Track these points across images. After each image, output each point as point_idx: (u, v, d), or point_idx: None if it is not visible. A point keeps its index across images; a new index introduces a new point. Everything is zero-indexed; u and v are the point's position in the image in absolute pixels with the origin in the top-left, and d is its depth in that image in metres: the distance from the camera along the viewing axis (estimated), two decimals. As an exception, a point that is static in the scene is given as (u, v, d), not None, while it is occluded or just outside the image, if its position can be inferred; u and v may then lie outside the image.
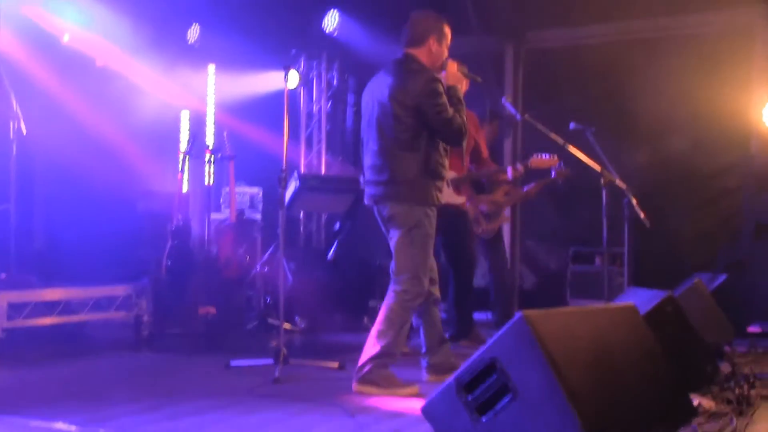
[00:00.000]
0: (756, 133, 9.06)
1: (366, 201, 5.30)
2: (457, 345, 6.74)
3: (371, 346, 5.06)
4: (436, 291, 5.37)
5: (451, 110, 4.98)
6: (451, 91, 5.10)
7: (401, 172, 5.02)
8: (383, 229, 5.30)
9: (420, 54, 5.16)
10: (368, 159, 5.20)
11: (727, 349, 5.77)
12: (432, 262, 5.28)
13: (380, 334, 5.05)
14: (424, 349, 5.45)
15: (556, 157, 7.18)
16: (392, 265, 5.18)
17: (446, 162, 5.18)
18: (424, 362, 5.44)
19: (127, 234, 8.87)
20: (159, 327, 7.14)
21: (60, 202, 9.08)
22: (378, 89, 5.17)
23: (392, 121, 5.02)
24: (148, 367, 6.28)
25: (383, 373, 5.02)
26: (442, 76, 5.15)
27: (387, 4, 10.28)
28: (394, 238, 5.14)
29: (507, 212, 8.72)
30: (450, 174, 6.28)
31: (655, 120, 9.33)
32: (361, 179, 5.38)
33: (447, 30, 5.25)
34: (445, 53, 5.24)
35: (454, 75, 5.19)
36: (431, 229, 5.11)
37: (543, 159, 7.22)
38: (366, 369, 5.03)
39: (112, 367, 6.23)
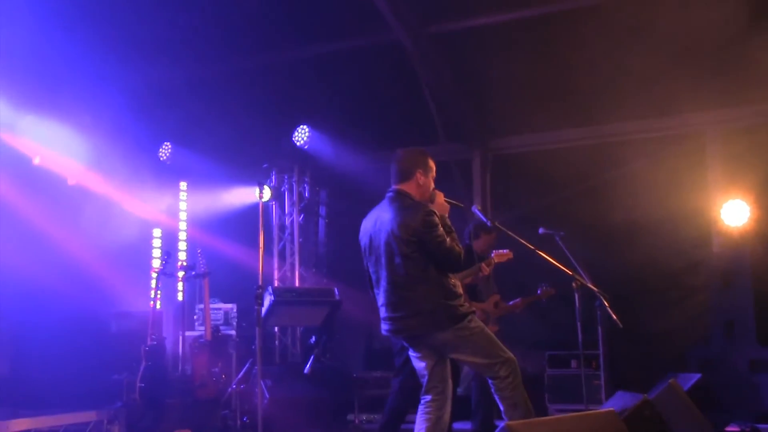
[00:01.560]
0: (717, 232, 9.27)
1: (388, 333, 5.34)
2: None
3: None
4: (448, 411, 5.29)
5: (448, 239, 5.13)
6: (441, 220, 5.25)
7: (420, 305, 5.12)
8: (418, 352, 5.30)
9: (409, 188, 5.32)
10: (382, 297, 5.30)
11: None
12: (451, 386, 5.30)
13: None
14: None
15: (510, 252, 7.29)
16: (477, 369, 5.31)
17: (456, 281, 5.26)
18: None
19: (100, 356, 8.74)
20: (132, 453, 6.99)
21: (29, 325, 8.94)
22: (379, 228, 5.31)
23: (401, 260, 5.15)
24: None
25: None
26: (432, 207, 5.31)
27: (355, 118, 10.52)
28: (461, 356, 5.22)
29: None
30: None
31: (621, 222, 9.49)
32: (383, 313, 5.43)
33: (431, 163, 5.43)
34: (432, 184, 5.41)
35: (441, 205, 5.37)
36: (480, 323, 5.22)
37: (502, 253, 7.34)
38: None
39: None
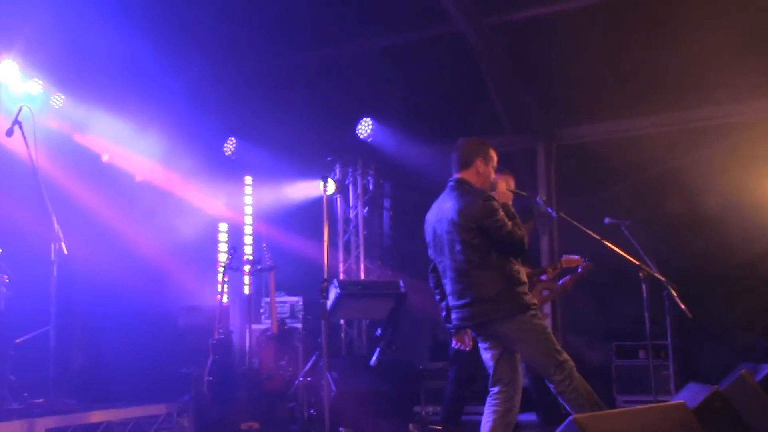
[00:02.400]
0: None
1: (455, 323, 5.33)
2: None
3: None
4: (517, 403, 5.24)
5: (509, 224, 5.12)
6: (504, 207, 5.24)
7: (483, 291, 5.12)
8: (485, 343, 5.29)
9: (469, 176, 5.35)
10: (448, 286, 5.32)
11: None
12: (520, 378, 5.27)
13: None
14: None
15: (580, 258, 7.19)
16: (533, 365, 5.26)
17: (519, 268, 5.24)
18: None
19: (168, 350, 8.87)
20: (201, 445, 7.08)
21: (99, 320, 9.11)
22: (441, 218, 5.34)
23: (461, 246, 5.17)
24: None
25: None
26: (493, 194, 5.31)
27: (419, 110, 10.51)
28: (518, 351, 5.21)
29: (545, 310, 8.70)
30: None
31: (689, 210, 9.32)
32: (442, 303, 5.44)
33: (492, 152, 5.46)
34: (493, 174, 5.43)
35: (503, 193, 5.39)
36: (542, 321, 5.18)
37: (573, 258, 7.24)
38: None
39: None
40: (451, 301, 5.30)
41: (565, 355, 5.11)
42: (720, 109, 9.46)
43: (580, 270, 7.44)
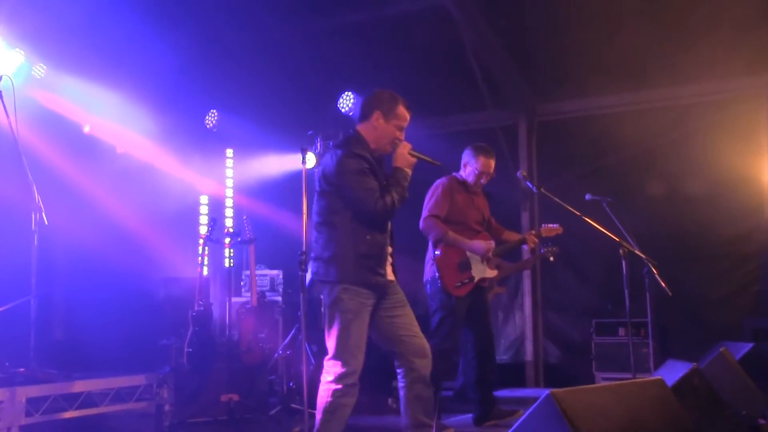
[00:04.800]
0: (769, 199, 9.07)
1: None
2: (482, 427, 6.67)
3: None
4: (423, 367, 4.97)
5: (371, 187, 4.78)
6: (394, 171, 4.90)
7: (322, 249, 4.85)
8: None
9: (365, 130, 4.98)
10: None
11: (761, 421, 5.58)
12: (421, 338, 5.06)
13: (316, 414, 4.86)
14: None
15: (560, 227, 7.10)
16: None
17: (379, 239, 4.86)
18: None
19: (148, 321, 8.86)
20: (181, 416, 7.06)
21: (80, 291, 9.10)
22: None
23: (317, 197, 4.94)
24: (172, 456, 6.21)
25: None
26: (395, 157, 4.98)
27: (400, 85, 10.41)
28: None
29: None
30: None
31: (671, 188, 9.35)
32: None
33: (401, 110, 5.01)
34: (396, 133, 4.98)
35: (402, 156, 4.95)
36: (354, 305, 4.78)
37: (551, 227, 7.13)
38: None
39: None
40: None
41: (355, 367, 4.78)
42: (706, 87, 9.46)
43: (542, 251, 7.31)
